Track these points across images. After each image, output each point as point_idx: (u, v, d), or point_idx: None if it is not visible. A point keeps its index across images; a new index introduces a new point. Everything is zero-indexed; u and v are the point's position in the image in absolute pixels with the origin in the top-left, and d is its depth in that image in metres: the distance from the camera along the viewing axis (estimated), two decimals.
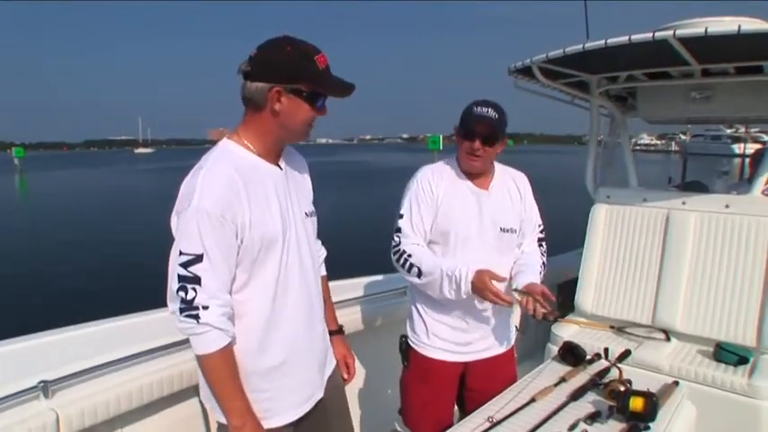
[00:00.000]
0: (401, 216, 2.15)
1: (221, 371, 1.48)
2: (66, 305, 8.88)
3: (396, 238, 2.13)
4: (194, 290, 1.41)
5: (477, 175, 2.17)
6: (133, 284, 10.55)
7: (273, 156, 1.61)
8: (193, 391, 2.14)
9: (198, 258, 1.41)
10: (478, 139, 2.05)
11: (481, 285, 1.93)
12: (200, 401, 2.17)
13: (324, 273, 1.91)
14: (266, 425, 1.57)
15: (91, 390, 1.81)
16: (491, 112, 2.05)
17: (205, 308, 1.42)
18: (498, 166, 2.26)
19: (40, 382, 1.71)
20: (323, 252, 1.91)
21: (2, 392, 1.64)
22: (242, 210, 1.46)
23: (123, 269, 12.22)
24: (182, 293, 1.41)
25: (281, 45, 1.49)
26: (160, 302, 2.53)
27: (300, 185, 1.73)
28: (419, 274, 2.04)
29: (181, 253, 1.42)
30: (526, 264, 2.17)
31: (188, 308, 1.42)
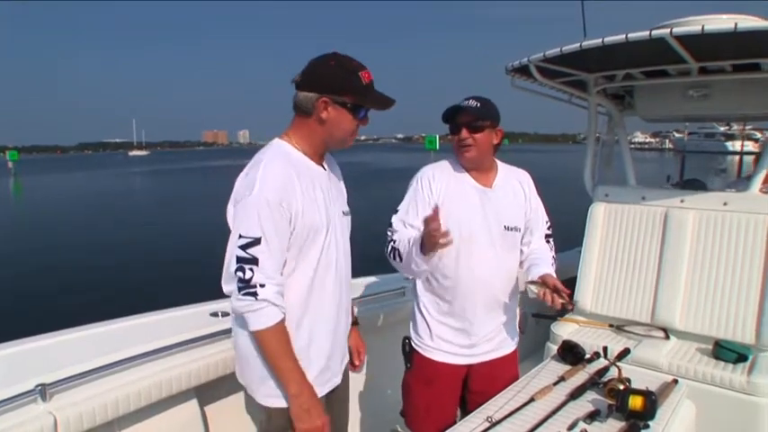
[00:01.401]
0: (396, 212, 2.17)
1: (279, 344, 1.61)
2: (63, 308, 8.86)
3: (388, 234, 2.14)
4: (252, 270, 1.54)
5: (479, 171, 2.16)
6: (131, 287, 10.57)
7: (318, 157, 1.78)
8: (193, 393, 2.14)
9: (256, 241, 1.55)
10: (463, 128, 2.06)
11: (425, 229, 1.83)
12: (199, 404, 2.18)
13: None
14: (285, 403, 1.68)
15: (89, 393, 1.80)
16: (472, 102, 2.07)
17: (262, 286, 1.55)
18: (502, 165, 2.25)
19: (37, 386, 1.70)
20: None
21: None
22: (296, 199, 1.61)
23: (120, 272, 12.21)
24: (240, 274, 1.55)
25: (327, 60, 1.66)
26: (158, 304, 2.54)
27: (338, 186, 1.89)
28: (401, 257, 2.02)
29: (240, 236, 1.56)
30: (539, 257, 2.18)
31: (246, 286, 1.55)
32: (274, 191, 1.57)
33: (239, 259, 1.55)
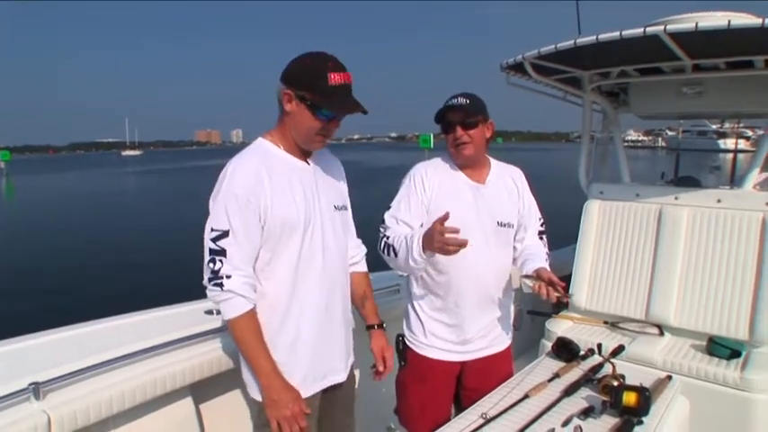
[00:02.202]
0: (388, 209, 2.17)
1: (246, 334, 1.66)
2: (57, 307, 8.84)
3: (380, 230, 2.14)
4: (221, 261, 1.62)
5: (472, 168, 2.17)
6: (125, 285, 10.54)
7: (299, 153, 1.78)
8: (187, 390, 2.13)
9: (225, 234, 1.62)
10: (457, 126, 2.07)
11: (429, 232, 1.87)
12: (194, 402, 2.18)
13: (364, 269, 2.09)
14: None
15: (83, 391, 1.79)
16: (461, 100, 2.06)
17: (228, 277, 1.62)
18: (494, 162, 2.26)
19: (30, 384, 1.69)
20: (362, 249, 2.09)
21: None
22: (264, 195, 1.64)
23: (114, 271, 12.19)
24: (211, 265, 1.63)
25: (305, 57, 1.68)
26: (152, 302, 2.53)
27: (331, 182, 1.90)
28: (395, 253, 2.04)
29: (212, 230, 1.64)
30: (533, 253, 2.18)
31: (214, 277, 1.63)
32: (241, 186, 1.63)
33: (210, 251, 1.63)
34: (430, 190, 2.12)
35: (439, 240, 1.82)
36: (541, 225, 2.30)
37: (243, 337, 1.67)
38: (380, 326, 2.08)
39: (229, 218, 1.61)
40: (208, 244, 1.63)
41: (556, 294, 1.96)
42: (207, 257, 1.63)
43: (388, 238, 2.08)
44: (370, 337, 2.05)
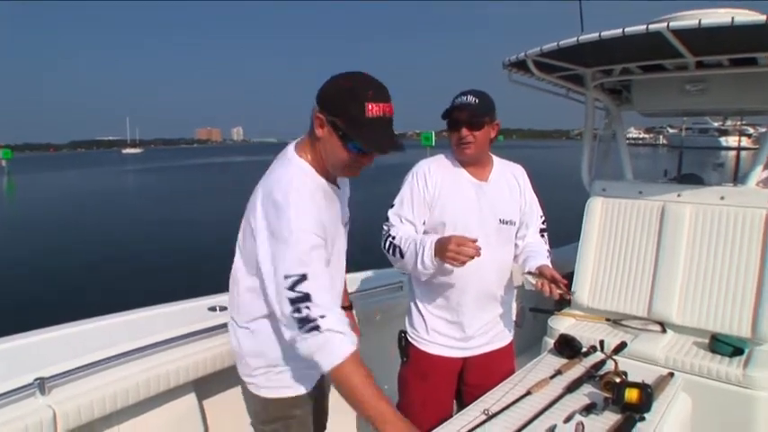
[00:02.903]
0: (392, 206, 2.17)
1: (355, 377, 1.44)
2: (60, 303, 8.87)
3: (384, 228, 2.14)
4: (307, 307, 1.45)
5: (475, 166, 2.17)
6: (129, 282, 10.56)
7: (331, 176, 1.68)
8: (191, 386, 2.14)
9: (303, 278, 1.46)
10: (463, 126, 2.06)
11: (444, 243, 1.89)
12: (197, 398, 2.19)
13: None
14: (287, 393, 1.71)
15: (87, 386, 1.81)
16: (470, 98, 2.05)
17: (322, 317, 1.44)
18: (497, 159, 2.25)
19: (36, 380, 1.71)
20: None
21: None
22: (325, 226, 1.57)
23: (117, 267, 12.20)
24: (296, 314, 1.45)
25: (346, 78, 1.54)
26: (155, 299, 2.55)
27: (346, 198, 1.84)
28: (401, 254, 2.04)
29: (286, 277, 1.46)
30: (534, 250, 2.18)
31: (306, 323, 1.44)
32: (309, 224, 1.50)
33: (291, 301, 1.45)
34: (433, 187, 2.12)
35: (453, 251, 1.84)
36: (543, 223, 2.30)
37: (352, 383, 1.44)
38: (350, 307, 2.09)
39: (303, 259, 1.47)
40: (284, 294, 1.46)
41: (558, 291, 1.96)
42: (287, 307, 1.46)
43: (393, 238, 2.08)
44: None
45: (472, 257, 1.85)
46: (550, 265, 2.09)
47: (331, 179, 1.68)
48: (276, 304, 1.49)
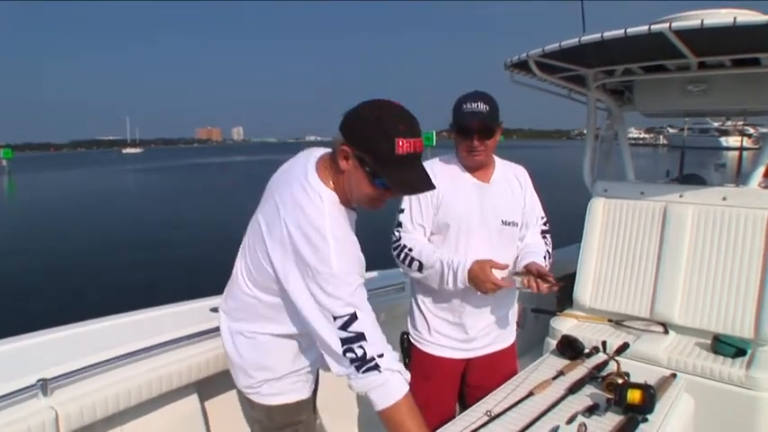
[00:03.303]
0: (401, 211, 2.15)
1: (411, 417, 1.45)
2: (62, 305, 8.87)
3: (396, 233, 2.14)
4: (362, 347, 1.43)
5: (477, 168, 2.17)
6: (131, 283, 10.57)
7: (349, 203, 1.60)
8: (193, 388, 2.14)
9: (354, 317, 1.43)
10: (475, 135, 2.04)
11: (480, 274, 1.93)
12: (199, 399, 2.18)
13: None
14: (291, 398, 1.70)
15: (90, 387, 1.81)
16: (481, 106, 2.02)
17: (380, 356, 1.44)
18: (498, 160, 2.25)
19: (38, 381, 1.71)
20: None
21: (1, 391, 1.64)
22: (362, 260, 1.53)
23: (119, 269, 12.20)
24: (350, 354, 1.43)
25: (373, 108, 1.46)
26: (158, 300, 2.55)
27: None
28: (420, 268, 2.05)
29: (336, 318, 1.43)
30: (530, 251, 2.17)
31: (363, 363, 1.43)
32: (352, 262, 1.47)
33: (344, 341, 1.43)
34: (437, 189, 2.13)
35: (491, 289, 1.94)
36: (544, 224, 2.30)
37: (409, 422, 1.44)
38: None
39: (353, 300, 1.44)
40: (336, 334, 1.43)
41: (545, 285, 1.93)
42: (339, 348, 1.43)
43: (410, 249, 2.07)
44: None
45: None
46: (543, 262, 2.08)
47: (351, 206, 1.61)
48: (327, 342, 1.45)
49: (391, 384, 1.44)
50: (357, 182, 1.49)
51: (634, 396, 1.74)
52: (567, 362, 2.16)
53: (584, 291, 3.20)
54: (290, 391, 1.71)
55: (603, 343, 2.23)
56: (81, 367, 1.83)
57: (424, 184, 1.51)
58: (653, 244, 3.06)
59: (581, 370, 2.08)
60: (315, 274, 1.43)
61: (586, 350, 2.23)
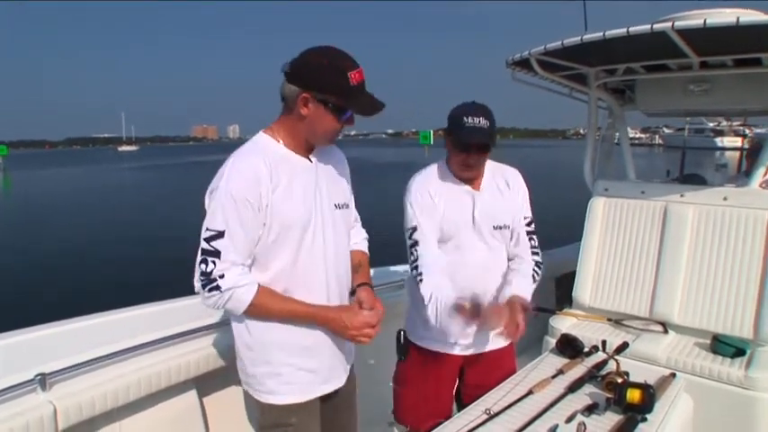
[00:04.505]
0: (414, 229, 2.10)
1: (271, 306, 1.64)
2: (61, 300, 8.88)
3: (413, 253, 2.09)
4: (213, 263, 1.56)
5: (470, 178, 2.17)
6: (130, 279, 10.57)
7: (302, 150, 1.71)
8: (192, 383, 2.14)
9: (220, 234, 1.56)
10: (474, 152, 2.04)
11: (481, 317, 1.93)
12: (198, 395, 2.18)
13: (363, 249, 2.00)
14: (283, 400, 1.72)
15: (88, 382, 1.81)
16: (482, 122, 2.00)
17: (221, 276, 1.56)
18: (489, 164, 2.21)
19: (37, 375, 1.71)
20: (363, 235, 2.03)
21: None
22: (264, 194, 1.58)
23: (118, 264, 12.22)
24: (202, 266, 1.57)
25: (320, 55, 1.59)
26: (156, 296, 2.54)
27: (334, 179, 1.83)
28: (435, 315, 2.01)
29: (206, 229, 1.58)
30: (512, 279, 2.13)
31: (207, 281, 1.57)
32: (240, 185, 1.56)
33: (203, 251, 1.57)
34: (434, 197, 2.12)
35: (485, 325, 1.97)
36: (528, 224, 2.23)
37: (270, 310, 1.63)
38: (371, 286, 1.94)
39: (226, 218, 1.56)
40: (202, 243, 1.58)
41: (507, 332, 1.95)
42: (199, 257, 1.58)
43: (421, 275, 2.04)
44: (358, 293, 1.86)
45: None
46: (526, 291, 2.08)
47: (302, 153, 1.71)
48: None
49: (237, 297, 1.58)
50: (321, 122, 1.63)
51: (633, 395, 1.74)
52: (566, 361, 2.16)
53: (583, 290, 3.20)
54: (284, 393, 1.72)
55: (603, 342, 2.23)
56: (80, 362, 1.82)
57: (378, 101, 1.65)
58: (653, 243, 3.05)
59: (580, 369, 2.08)
60: (209, 190, 1.61)
61: (586, 349, 2.23)
